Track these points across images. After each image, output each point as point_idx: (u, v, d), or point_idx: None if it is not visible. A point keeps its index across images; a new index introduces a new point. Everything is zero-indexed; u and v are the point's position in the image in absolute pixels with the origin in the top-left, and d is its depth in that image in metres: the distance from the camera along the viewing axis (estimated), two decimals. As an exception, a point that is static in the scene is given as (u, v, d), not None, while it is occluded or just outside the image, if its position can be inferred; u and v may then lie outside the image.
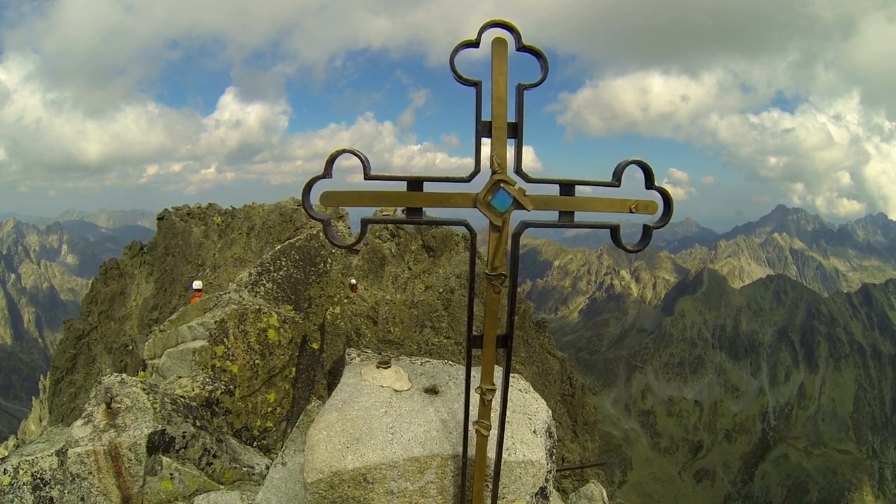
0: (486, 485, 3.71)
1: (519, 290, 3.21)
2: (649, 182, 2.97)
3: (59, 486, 6.01)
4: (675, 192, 2.99)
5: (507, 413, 3.47)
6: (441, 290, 23.51)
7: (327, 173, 2.76)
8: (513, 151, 2.88)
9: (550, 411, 4.59)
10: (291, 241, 13.57)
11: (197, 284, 19.68)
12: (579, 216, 2.99)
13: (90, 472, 5.93)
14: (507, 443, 3.84)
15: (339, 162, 2.80)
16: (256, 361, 10.27)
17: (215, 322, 10.13)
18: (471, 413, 3.51)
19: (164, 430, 6.50)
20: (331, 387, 12.41)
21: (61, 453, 6.15)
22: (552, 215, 2.97)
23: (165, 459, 6.30)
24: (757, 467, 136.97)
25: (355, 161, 2.82)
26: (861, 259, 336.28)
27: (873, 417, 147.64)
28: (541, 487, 4.07)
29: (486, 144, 2.85)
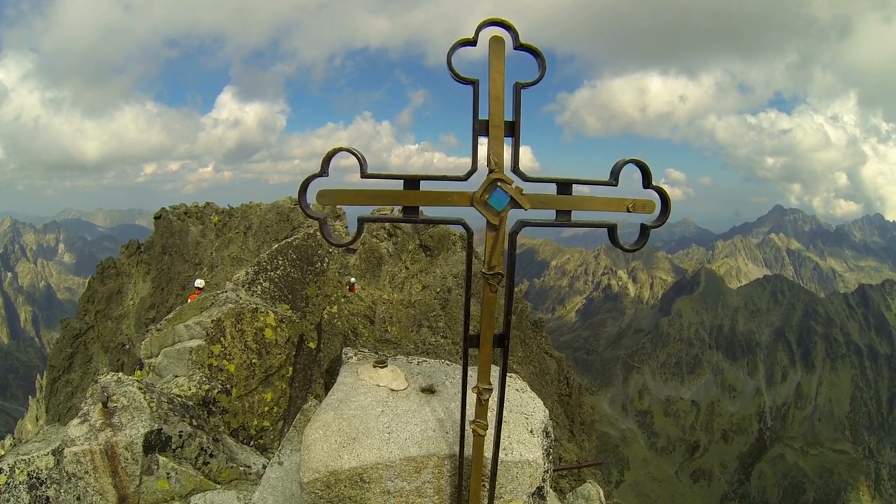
0: (483, 485, 3.70)
1: (516, 289, 3.22)
2: (647, 181, 2.96)
3: (55, 486, 6.00)
4: (672, 193, 2.99)
5: (504, 412, 3.46)
6: (438, 289, 23.51)
7: (324, 172, 2.75)
8: (510, 150, 2.87)
9: (548, 411, 4.59)
10: (289, 240, 13.55)
11: (199, 283, 19.56)
12: (577, 215, 2.98)
13: (86, 472, 5.91)
14: (503, 442, 3.84)
15: (336, 161, 2.79)
16: (253, 360, 10.25)
17: (212, 321, 10.11)
18: (467, 413, 3.51)
19: (161, 429, 6.48)
20: (327, 386, 12.40)
21: (57, 452, 6.13)
22: (549, 214, 2.97)
23: (162, 459, 6.28)
24: (753, 467, 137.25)
25: (353, 160, 2.81)
26: (858, 260, 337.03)
27: (870, 417, 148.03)
28: (538, 487, 4.07)
29: (483, 143, 2.85)
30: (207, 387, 9.40)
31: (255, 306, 10.75)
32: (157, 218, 34.70)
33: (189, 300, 15.27)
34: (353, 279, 21.85)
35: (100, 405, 6.45)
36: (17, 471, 6.09)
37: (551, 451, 4.42)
